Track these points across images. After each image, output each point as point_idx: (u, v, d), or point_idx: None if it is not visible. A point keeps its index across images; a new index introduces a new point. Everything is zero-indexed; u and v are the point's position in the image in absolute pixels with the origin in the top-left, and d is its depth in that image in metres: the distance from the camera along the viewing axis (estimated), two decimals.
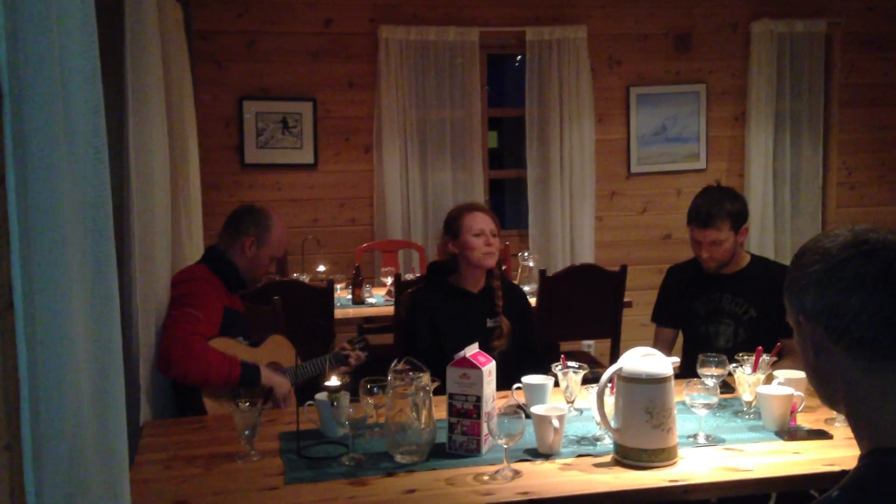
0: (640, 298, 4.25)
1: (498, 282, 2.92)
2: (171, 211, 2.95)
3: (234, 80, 4.99)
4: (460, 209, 2.93)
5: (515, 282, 3.88)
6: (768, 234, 5.47)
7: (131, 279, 2.51)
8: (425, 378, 2.13)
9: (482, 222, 2.83)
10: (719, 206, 2.84)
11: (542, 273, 3.98)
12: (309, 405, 2.25)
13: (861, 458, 1.15)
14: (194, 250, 3.58)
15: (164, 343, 2.53)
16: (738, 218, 2.86)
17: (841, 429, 2.20)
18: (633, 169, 5.50)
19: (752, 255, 3.00)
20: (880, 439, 1.13)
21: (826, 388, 1.22)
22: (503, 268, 4.42)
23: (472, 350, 2.17)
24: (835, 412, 2.20)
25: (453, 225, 2.87)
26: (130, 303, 2.50)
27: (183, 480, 1.97)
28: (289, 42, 5.03)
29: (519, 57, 5.40)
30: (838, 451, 2.06)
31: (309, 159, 5.12)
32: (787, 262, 4.70)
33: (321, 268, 4.45)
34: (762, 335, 2.72)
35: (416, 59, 5.12)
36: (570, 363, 2.41)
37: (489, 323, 2.88)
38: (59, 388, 1.22)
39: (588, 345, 5.10)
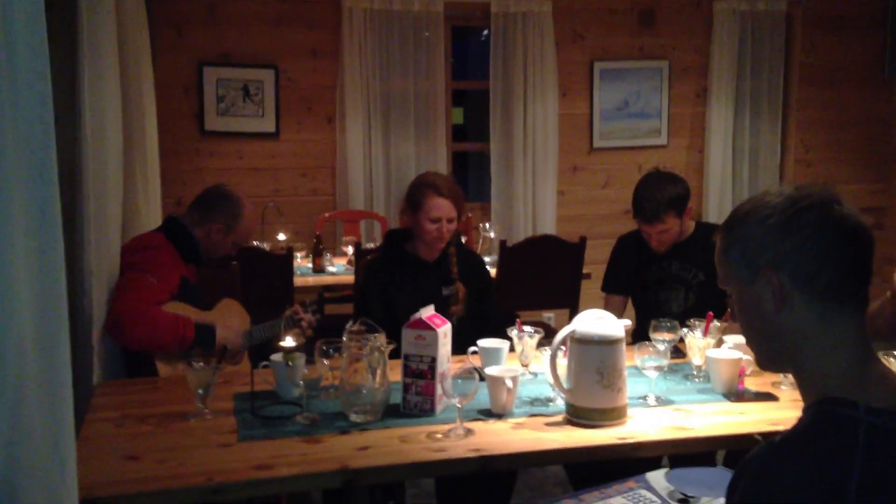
0: (601, 271, 4.29)
1: (453, 248, 2.93)
2: (123, 175, 2.90)
3: (194, 46, 4.90)
4: (425, 188, 2.82)
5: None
6: (727, 211, 5.52)
7: (84, 241, 2.47)
8: (381, 338, 2.14)
9: (441, 210, 2.77)
10: (663, 203, 2.87)
11: (503, 243, 4.00)
12: (264, 366, 2.24)
13: (807, 409, 1.18)
14: (151, 216, 3.54)
15: (115, 309, 2.48)
16: (682, 204, 2.92)
17: (787, 392, 2.26)
18: (596, 144, 5.53)
19: (697, 222, 3.07)
20: (829, 390, 1.15)
21: (775, 344, 1.22)
22: (464, 239, 4.44)
23: (427, 312, 2.18)
24: (780, 375, 2.27)
25: (414, 199, 2.82)
26: (83, 264, 2.47)
27: (134, 437, 1.96)
28: (251, 8, 4.96)
29: (485, 32, 5.38)
30: (783, 412, 2.11)
31: (270, 128, 5.06)
32: None
33: (281, 236, 4.42)
34: (711, 298, 2.80)
35: (381, 29, 5.08)
36: (525, 327, 2.44)
37: (445, 291, 2.89)
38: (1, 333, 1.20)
39: (549, 317, 5.15)
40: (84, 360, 2.45)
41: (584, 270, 4.16)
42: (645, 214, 2.91)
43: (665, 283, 3.02)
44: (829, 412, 1.13)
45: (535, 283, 4.05)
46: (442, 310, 2.57)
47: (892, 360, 2.10)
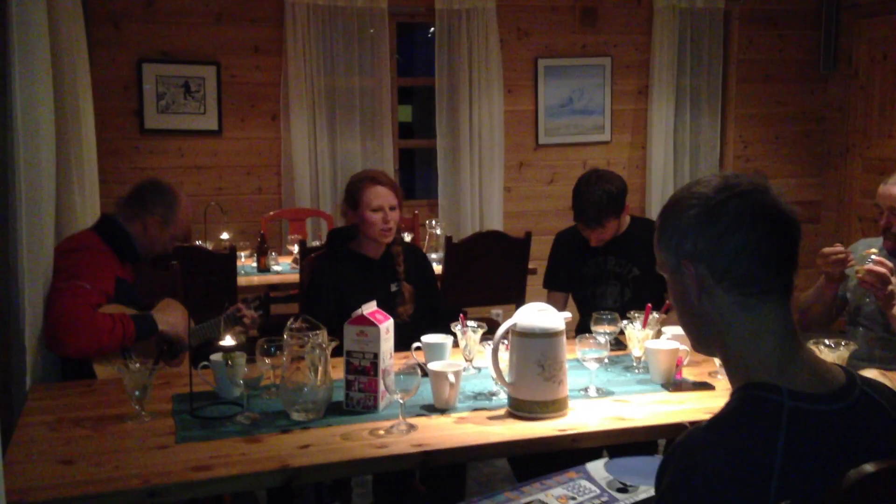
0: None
1: (398, 248, 2.93)
2: (57, 174, 2.82)
3: (132, 42, 4.81)
4: (361, 180, 2.84)
5: (423, 250, 3.89)
6: None
7: (17, 242, 2.40)
8: (322, 335, 2.12)
9: (382, 197, 2.77)
10: (604, 208, 2.92)
11: (449, 239, 4.01)
12: (204, 367, 2.21)
13: (733, 393, 1.21)
14: (88, 217, 3.45)
15: (52, 320, 2.40)
16: (620, 205, 2.97)
17: (723, 381, 2.31)
18: (541, 140, 5.58)
19: (632, 217, 3.12)
20: (752, 375, 1.19)
21: (704, 330, 1.26)
22: (410, 237, 4.43)
23: (369, 308, 2.17)
24: (715, 361, 2.33)
25: (353, 196, 2.82)
26: (16, 265, 2.40)
27: (69, 441, 1.91)
28: (190, 3, 4.88)
29: (432, 29, 5.39)
30: (719, 401, 2.11)
31: (213, 125, 4.99)
32: None
33: (225, 235, 4.36)
34: (647, 292, 2.86)
35: (325, 25, 5.04)
36: (468, 322, 2.45)
37: (393, 288, 2.89)
38: None
39: (497, 313, 5.17)
40: (18, 364, 2.38)
41: (530, 265, 4.20)
42: (585, 219, 2.96)
43: (602, 278, 3.08)
44: (754, 396, 1.16)
45: (482, 279, 4.07)
46: (390, 307, 2.58)
47: (822, 348, 2.16)
